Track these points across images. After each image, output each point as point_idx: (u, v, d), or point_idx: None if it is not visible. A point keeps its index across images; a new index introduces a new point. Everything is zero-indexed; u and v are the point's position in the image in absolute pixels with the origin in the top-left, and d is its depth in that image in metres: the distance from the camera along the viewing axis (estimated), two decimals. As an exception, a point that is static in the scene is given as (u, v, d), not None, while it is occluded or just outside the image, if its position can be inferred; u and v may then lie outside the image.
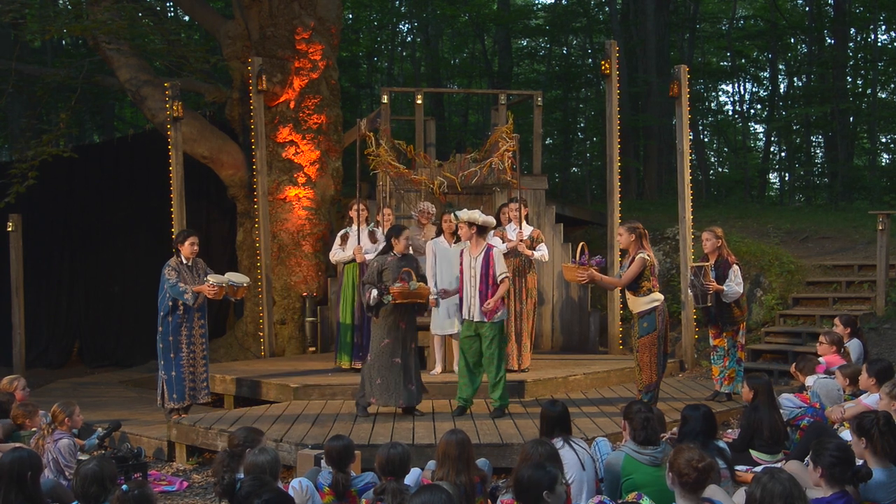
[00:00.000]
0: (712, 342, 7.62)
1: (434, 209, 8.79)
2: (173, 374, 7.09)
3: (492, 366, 6.65)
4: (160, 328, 7.11)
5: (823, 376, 6.27)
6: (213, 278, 7.00)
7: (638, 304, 6.55)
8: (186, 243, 7.14)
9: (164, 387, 7.13)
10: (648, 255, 6.50)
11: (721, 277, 7.32)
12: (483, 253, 6.65)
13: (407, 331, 6.73)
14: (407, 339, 6.73)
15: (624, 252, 6.85)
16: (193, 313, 7.15)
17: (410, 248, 7.37)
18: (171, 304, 7.05)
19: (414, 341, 6.82)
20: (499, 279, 6.59)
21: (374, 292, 6.59)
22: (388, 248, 6.81)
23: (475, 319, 6.64)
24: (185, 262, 7.12)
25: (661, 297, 6.59)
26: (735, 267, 7.38)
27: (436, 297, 7.36)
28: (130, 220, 13.01)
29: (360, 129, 9.22)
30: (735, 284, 7.30)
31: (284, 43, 10.79)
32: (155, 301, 7.10)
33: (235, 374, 8.35)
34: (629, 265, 6.51)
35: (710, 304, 7.30)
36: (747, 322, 9.63)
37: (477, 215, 6.68)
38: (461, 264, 6.79)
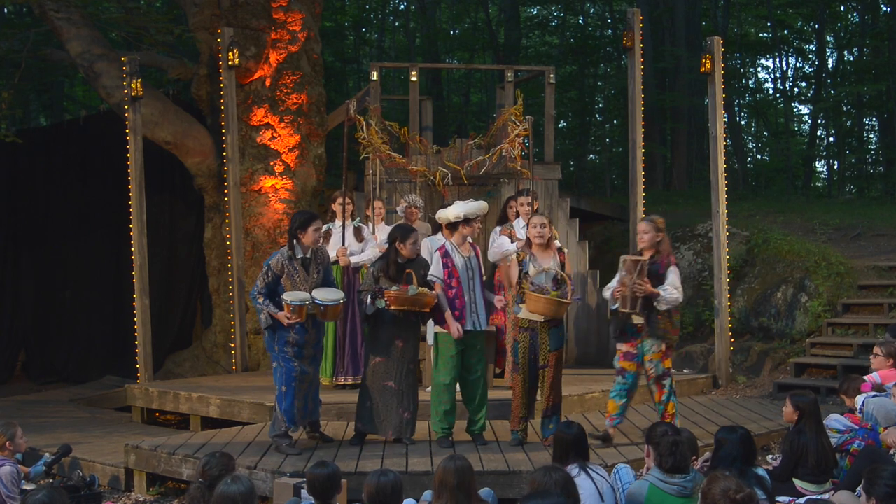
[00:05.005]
0: (618, 364, 6.65)
1: (422, 202, 8.71)
2: (284, 389, 6.37)
3: (481, 380, 6.61)
4: (265, 334, 6.50)
5: (875, 394, 6.26)
6: (289, 296, 6.20)
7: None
8: (310, 229, 6.35)
9: (277, 407, 6.45)
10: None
11: (657, 278, 6.50)
12: (473, 249, 6.65)
13: (405, 350, 6.56)
14: (404, 360, 6.56)
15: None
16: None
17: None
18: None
19: (414, 362, 6.68)
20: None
21: (369, 297, 6.39)
22: (394, 253, 6.45)
23: (481, 328, 6.59)
24: (299, 255, 6.39)
25: None
26: (674, 268, 6.60)
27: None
28: (83, 216, 12.99)
29: (348, 111, 9.14)
30: (673, 289, 6.48)
31: (259, 11, 10.78)
32: (110, 308, 7.08)
33: (203, 391, 8.35)
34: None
35: (636, 310, 6.43)
36: (789, 332, 9.66)
37: (472, 207, 6.64)
38: (447, 266, 6.51)
